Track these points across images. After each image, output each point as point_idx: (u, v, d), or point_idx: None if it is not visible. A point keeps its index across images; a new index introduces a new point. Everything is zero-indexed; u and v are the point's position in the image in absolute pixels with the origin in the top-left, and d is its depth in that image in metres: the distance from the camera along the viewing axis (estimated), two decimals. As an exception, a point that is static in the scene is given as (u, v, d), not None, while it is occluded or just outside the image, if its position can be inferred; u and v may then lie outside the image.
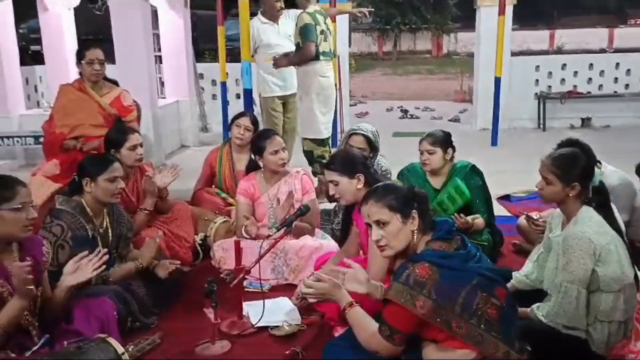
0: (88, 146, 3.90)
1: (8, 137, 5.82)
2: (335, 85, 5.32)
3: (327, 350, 2.31)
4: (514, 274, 2.77)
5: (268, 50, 5.32)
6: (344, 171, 2.85)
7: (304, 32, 4.67)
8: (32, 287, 2.16)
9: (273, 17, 5.38)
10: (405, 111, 10.73)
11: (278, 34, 5.35)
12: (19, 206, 2.22)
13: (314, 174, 4.77)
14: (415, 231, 2.11)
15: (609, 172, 3.24)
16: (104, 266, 2.47)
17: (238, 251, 2.89)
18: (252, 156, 3.66)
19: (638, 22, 26.92)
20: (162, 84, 7.74)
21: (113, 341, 2.19)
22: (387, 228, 2.12)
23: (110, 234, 2.99)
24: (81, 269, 2.40)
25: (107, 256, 2.51)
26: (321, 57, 4.75)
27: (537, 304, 2.54)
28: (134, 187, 3.60)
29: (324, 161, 4.82)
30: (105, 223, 2.98)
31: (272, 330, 2.76)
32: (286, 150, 3.56)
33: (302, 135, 4.98)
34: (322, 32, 4.73)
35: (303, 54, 4.70)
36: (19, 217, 2.22)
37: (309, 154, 4.96)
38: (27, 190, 2.31)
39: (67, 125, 3.97)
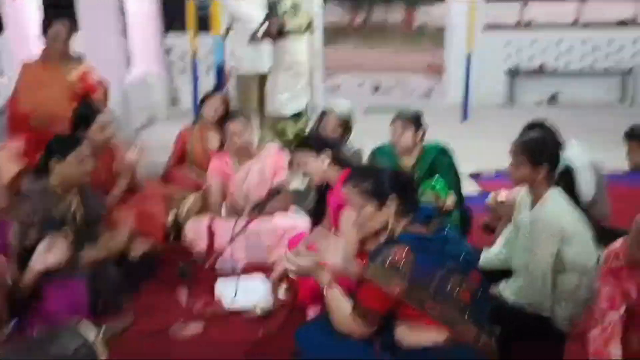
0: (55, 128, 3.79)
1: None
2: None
3: (300, 332, 2.33)
4: (483, 253, 2.84)
5: (246, 25, 5.21)
6: (310, 151, 2.88)
7: (269, 9, 4.63)
8: (6, 278, 2.13)
9: None
10: (377, 87, 10.72)
11: (258, 5, 5.22)
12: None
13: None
14: (392, 216, 2.13)
15: (575, 152, 3.31)
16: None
17: (210, 234, 2.88)
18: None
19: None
20: (130, 56, 7.54)
21: (85, 324, 2.17)
22: (361, 212, 2.15)
23: (79, 216, 2.94)
24: (52, 251, 2.37)
25: (75, 237, 2.47)
26: (289, 35, 4.70)
27: (504, 282, 2.62)
28: (103, 167, 3.53)
29: (284, 138, 4.86)
30: (75, 203, 2.93)
31: (245, 314, 2.77)
32: (246, 134, 3.50)
33: (267, 111, 4.96)
34: (286, 9, 4.64)
35: (267, 30, 4.67)
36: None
37: (273, 129, 4.95)
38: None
39: (31, 103, 3.86)
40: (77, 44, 4.40)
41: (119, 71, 6.06)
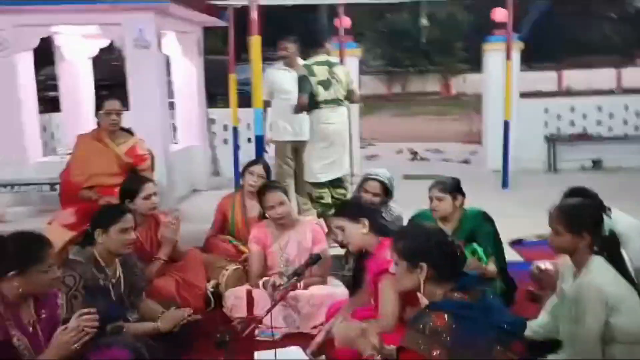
0: (103, 200, 3.96)
1: (25, 184, 5.92)
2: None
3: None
4: (528, 324, 2.74)
5: (282, 95, 5.43)
6: (349, 216, 2.91)
7: (298, 84, 4.96)
8: (73, 350, 2.19)
9: (290, 63, 5.50)
10: (414, 153, 10.79)
11: (294, 80, 5.46)
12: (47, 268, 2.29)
13: (317, 215, 4.84)
14: (426, 281, 2.11)
15: (619, 218, 3.23)
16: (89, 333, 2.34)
17: (250, 300, 2.90)
18: None
19: (646, 62, 27.05)
20: (175, 129, 7.88)
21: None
22: (396, 271, 2.21)
23: (122, 284, 3.01)
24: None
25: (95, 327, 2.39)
26: (322, 106, 4.90)
27: (552, 355, 2.52)
28: (147, 236, 3.64)
29: (322, 201, 4.95)
30: (118, 273, 3.00)
31: (284, 383, 2.74)
32: (284, 205, 3.56)
33: (303, 178, 5.16)
34: (319, 82, 4.87)
35: (297, 105, 5.00)
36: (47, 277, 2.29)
37: (309, 196, 5.13)
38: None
39: (83, 174, 4.06)
40: (127, 118, 4.65)
41: (164, 143, 6.32)
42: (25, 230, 2.38)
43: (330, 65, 5.01)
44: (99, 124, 4.20)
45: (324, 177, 4.99)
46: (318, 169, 4.99)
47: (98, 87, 7.87)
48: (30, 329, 2.29)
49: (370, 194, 3.80)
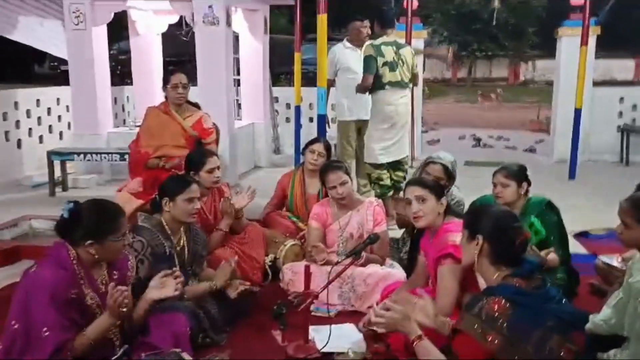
0: (170, 164, 4.12)
1: (97, 153, 6.19)
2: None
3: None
4: (590, 317, 2.66)
5: (348, 75, 5.43)
6: (433, 191, 2.87)
7: (364, 64, 4.85)
8: (125, 309, 2.28)
9: (358, 43, 5.49)
10: (478, 140, 10.55)
11: (360, 59, 5.44)
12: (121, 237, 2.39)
13: (376, 195, 4.82)
14: (479, 256, 2.11)
15: None
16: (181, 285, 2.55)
17: (307, 275, 2.94)
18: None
19: None
20: (239, 106, 8.02)
21: (187, 356, 2.29)
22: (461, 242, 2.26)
23: (186, 252, 3.12)
24: (165, 285, 2.49)
25: (182, 277, 2.58)
26: (387, 87, 4.83)
27: (615, 350, 2.43)
28: (211, 207, 3.75)
29: (381, 183, 4.92)
30: (182, 241, 3.12)
31: (338, 357, 2.78)
32: (346, 184, 3.56)
33: (364, 158, 5.12)
34: (385, 63, 4.80)
35: (360, 84, 4.90)
36: (120, 244, 2.40)
37: (368, 177, 5.10)
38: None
39: (151, 146, 4.21)
40: (194, 93, 4.78)
41: (228, 119, 6.46)
42: (102, 199, 2.49)
43: (397, 46, 4.93)
44: (166, 97, 4.33)
45: (384, 159, 4.96)
46: (378, 150, 4.96)
47: (167, 63, 8.10)
48: (103, 288, 2.40)
49: (432, 177, 3.75)
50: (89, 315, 2.31)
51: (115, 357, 2.36)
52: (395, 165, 5.01)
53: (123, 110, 9.01)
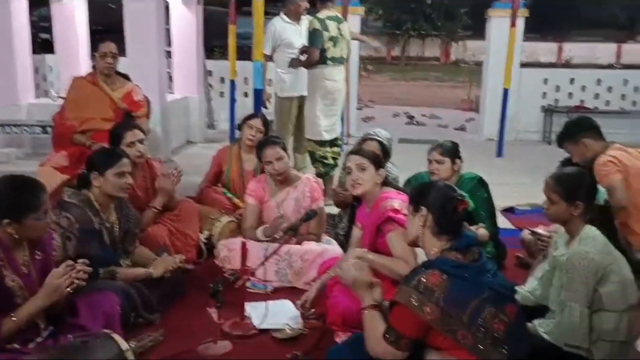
0: (96, 146, 3.90)
1: (16, 126, 5.84)
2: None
3: (329, 355, 2.31)
4: (517, 289, 2.78)
5: (288, 50, 5.35)
6: (373, 161, 2.91)
7: (311, 37, 4.78)
8: (65, 294, 2.18)
9: (296, 17, 5.40)
10: (411, 117, 10.75)
11: (299, 34, 5.36)
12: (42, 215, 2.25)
13: (317, 175, 4.80)
14: (424, 229, 2.15)
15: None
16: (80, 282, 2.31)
17: (243, 252, 2.90)
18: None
19: (647, 39, 26.89)
20: (171, 79, 7.77)
21: (117, 337, 2.21)
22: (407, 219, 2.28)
23: (117, 229, 3.00)
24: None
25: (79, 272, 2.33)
26: (329, 62, 4.80)
27: (539, 320, 2.56)
28: (142, 184, 3.61)
29: (325, 161, 4.92)
30: (112, 217, 3.00)
31: (274, 333, 2.77)
32: (282, 160, 3.53)
33: (305, 136, 5.06)
34: (331, 38, 4.77)
35: (307, 59, 4.82)
36: (42, 223, 2.27)
37: (311, 154, 5.05)
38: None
39: (78, 118, 4.00)
40: (123, 66, 4.57)
41: (160, 92, 6.24)
42: (20, 175, 2.33)
43: (338, 21, 4.89)
44: (94, 67, 4.11)
45: (329, 135, 4.94)
46: (324, 127, 4.91)
47: (94, 32, 7.70)
48: (24, 269, 2.28)
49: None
50: (10, 298, 2.19)
51: (41, 339, 2.25)
52: (333, 142, 5.02)
53: (45, 80, 8.51)
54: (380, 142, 3.74)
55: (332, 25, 4.79)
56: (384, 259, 2.73)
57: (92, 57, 4.07)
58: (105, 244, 2.90)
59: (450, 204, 2.14)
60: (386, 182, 2.96)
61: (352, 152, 3.04)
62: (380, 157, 2.99)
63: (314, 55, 4.73)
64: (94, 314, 2.46)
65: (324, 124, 4.90)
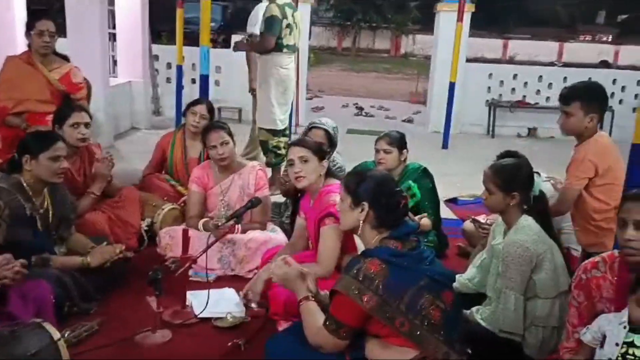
0: (32, 129, 3.72)
1: (-55, 107, 5.51)
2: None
3: (270, 344, 2.30)
4: (457, 277, 2.84)
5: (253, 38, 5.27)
6: (315, 152, 2.87)
7: (268, 24, 4.69)
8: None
9: None
10: (360, 108, 10.82)
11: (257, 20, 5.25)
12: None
13: (267, 164, 4.75)
14: (365, 224, 2.15)
15: (544, 181, 3.36)
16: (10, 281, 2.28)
17: (185, 240, 2.85)
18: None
19: (586, 38, 28.02)
20: (115, 62, 7.52)
21: (49, 326, 2.12)
22: (340, 208, 2.27)
23: (50, 214, 2.88)
24: None
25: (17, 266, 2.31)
26: (284, 50, 4.74)
27: (477, 307, 2.63)
28: (80, 169, 3.48)
29: (278, 152, 4.86)
30: (46, 203, 2.87)
31: (215, 322, 2.74)
32: (227, 145, 3.47)
33: (258, 125, 4.97)
34: (288, 25, 4.72)
35: (260, 44, 4.76)
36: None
37: (264, 144, 4.96)
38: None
39: (11, 99, 3.81)
40: (63, 48, 4.38)
41: (102, 75, 6.03)
42: None
43: (294, 9, 4.84)
44: (29, 45, 3.91)
45: (283, 125, 4.87)
46: (280, 116, 4.83)
47: (32, 11, 7.34)
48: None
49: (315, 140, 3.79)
50: None
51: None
52: (282, 132, 4.98)
53: (-21, 60, 8.08)
54: (326, 131, 3.74)
55: (289, 12, 4.73)
56: (305, 266, 2.59)
57: (27, 35, 3.86)
58: (38, 230, 2.78)
59: (391, 200, 2.14)
60: (330, 173, 2.95)
61: (293, 144, 2.98)
62: (323, 148, 2.96)
63: (269, 42, 4.66)
64: (24, 303, 2.36)
65: (278, 112, 4.84)
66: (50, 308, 2.47)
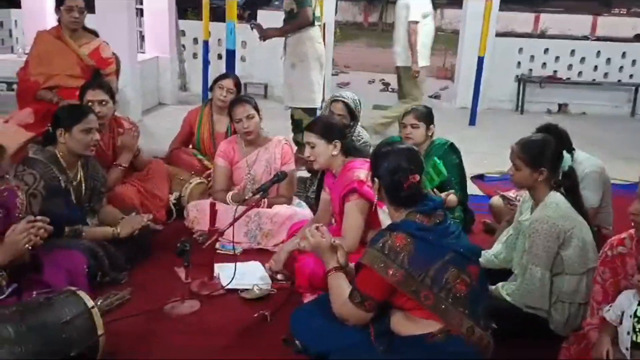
0: (63, 103, 3.78)
1: (-21, 82, 5.66)
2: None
3: (295, 315, 2.34)
4: (482, 252, 2.83)
5: None
6: (323, 135, 2.87)
7: None
8: (24, 250, 2.15)
9: None
10: (386, 84, 10.71)
11: None
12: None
13: (297, 143, 4.70)
14: (379, 196, 2.19)
15: (582, 159, 3.30)
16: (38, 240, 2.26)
17: (213, 213, 2.88)
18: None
19: (621, 12, 27.14)
20: (143, 38, 7.56)
21: (83, 294, 2.18)
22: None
23: (83, 187, 2.95)
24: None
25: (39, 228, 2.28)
26: (316, 23, 4.62)
27: (502, 282, 2.62)
28: (109, 142, 3.54)
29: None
30: (79, 175, 2.94)
31: (242, 293, 2.79)
32: (253, 119, 3.47)
33: (293, 105, 4.76)
34: None
35: (301, 21, 4.49)
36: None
37: (297, 123, 4.74)
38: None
39: (42, 74, 3.87)
40: (92, 24, 4.41)
41: (130, 50, 6.07)
42: None
43: None
44: (59, 21, 3.96)
45: (319, 102, 4.74)
46: (318, 95, 4.69)
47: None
48: (-17, 228, 2.24)
49: (335, 115, 3.77)
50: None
51: (3, 296, 2.22)
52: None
53: (10, 36, 8.21)
54: (345, 104, 3.72)
55: None
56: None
57: (57, 10, 3.91)
58: (72, 202, 2.85)
59: (395, 179, 2.13)
60: (355, 148, 2.94)
61: (305, 128, 3.00)
62: (331, 129, 2.89)
63: (308, 16, 4.43)
64: (57, 272, 2.44)
65: (317, 89, 4.68)
66: (83, 277, 2.55)
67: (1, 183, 2.27)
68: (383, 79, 11.20)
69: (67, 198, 2.79)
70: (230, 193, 3.43)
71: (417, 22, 5.75)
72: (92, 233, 2.87)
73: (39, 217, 2.26)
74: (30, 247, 2.20)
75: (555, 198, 2.50)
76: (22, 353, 1.84)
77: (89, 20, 4.20)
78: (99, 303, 2.40)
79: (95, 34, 4.16)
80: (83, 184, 2.95)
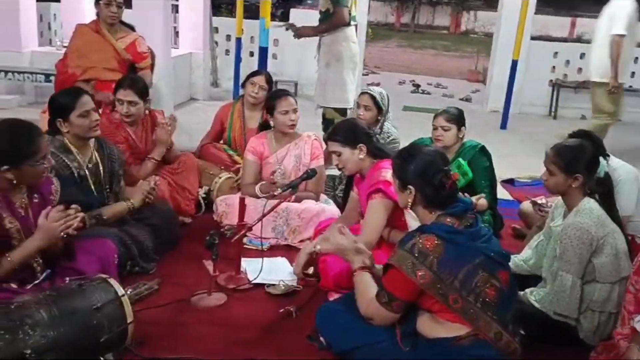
0: (99, 96, 3.85)
1: (19, 73, 5.78)
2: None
3: (320, 312, 2.35)
4: (512, 257, 2.80)
5: None
6: (346, 142, 2.86)
7: None
8: (59, 237, 2.20)
9: None
10: (417, 85, 10.65)
11: None
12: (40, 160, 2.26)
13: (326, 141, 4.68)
14: (412, 202, 2.16)
15: (616, 166, 3.23)
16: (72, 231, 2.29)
17: (241, 208, 2.91)
18: (265, 114, 3.66)
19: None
20: (177, 34, 7.66)
21: (114, 282, 2.22)
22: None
23: (101, 170, 2.95)
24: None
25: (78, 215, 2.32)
26: (352, 23, 4.59)
27: (531, 288, 2.59)
28: (142, 135, 3.59)
29: None
30: (94, 158, 2.93)
31: (268, 288, 2.80)
32: (297, 112, 3.52)
33: (326, 104, 4.73)
34: None
35: (337, 21, 4.47)
36: (40, 169, 2.27)
37: (329, 122, 4.67)
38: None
39: (80, 67, 3.96)
40: (129, 19, 4.49)
41: (165, 47, 6.16)
42: (17, 119, 2.31)
43: None
44: (98, 15, 4.04)
45: (352, 102, 4.69)
46: (351, 95, 4.66)
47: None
48: (22, 212, 2.29)
49: (362, 107, 3.82)
50: (7, 239, 2.21)
51: (37, 281, 2.28)
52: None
53: (49, 29, 8.40)
54: (371, 95, 3.73)
55: None
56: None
57: (96, 4, 3.99)
58: (87, 188, 2.85)
59: (436, 182, 2.10)
60: (382, 149, 2.93)
61: (326, 139, 3.00)
62: (354, 134, 2.87)
63: (344, 16, 4.41)
64: (90, 259, 2.48)
65: (351, 89, 4.66)
66: (113, 266, 2.59)
67: (48, 161, 2.31)
68: (413, 80, 11.15)
69: (82, 185, 2.79)
70: (259, 184, 3.46)
71: (623, 36, 5.36)
72: (111, 210, 2.89)
73: (73, 206, 2.30)
74: (64, 235, 2.24)
75: (589, 204, 2.45)
76: (54, 336, 1.88)
77: (126, 16, 4.29)
78: (128, 292, 2.45)
79: (132, 28, 4.24)
80: (101, 167, 2.94)
